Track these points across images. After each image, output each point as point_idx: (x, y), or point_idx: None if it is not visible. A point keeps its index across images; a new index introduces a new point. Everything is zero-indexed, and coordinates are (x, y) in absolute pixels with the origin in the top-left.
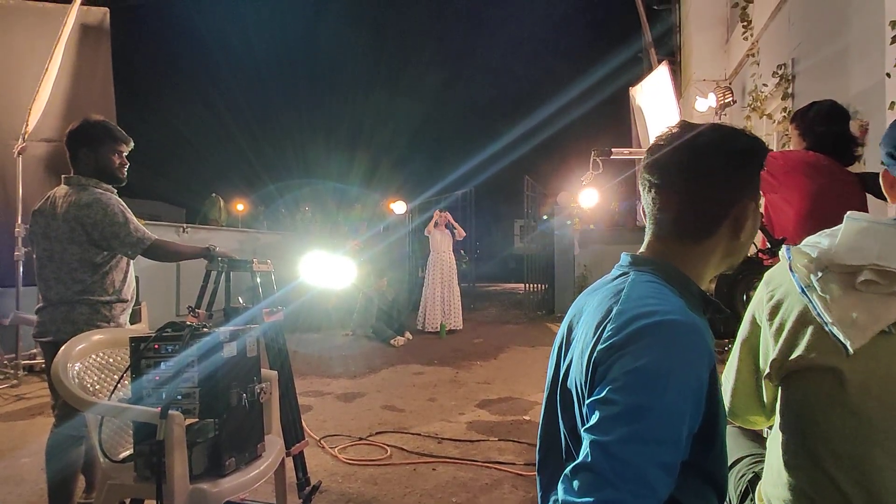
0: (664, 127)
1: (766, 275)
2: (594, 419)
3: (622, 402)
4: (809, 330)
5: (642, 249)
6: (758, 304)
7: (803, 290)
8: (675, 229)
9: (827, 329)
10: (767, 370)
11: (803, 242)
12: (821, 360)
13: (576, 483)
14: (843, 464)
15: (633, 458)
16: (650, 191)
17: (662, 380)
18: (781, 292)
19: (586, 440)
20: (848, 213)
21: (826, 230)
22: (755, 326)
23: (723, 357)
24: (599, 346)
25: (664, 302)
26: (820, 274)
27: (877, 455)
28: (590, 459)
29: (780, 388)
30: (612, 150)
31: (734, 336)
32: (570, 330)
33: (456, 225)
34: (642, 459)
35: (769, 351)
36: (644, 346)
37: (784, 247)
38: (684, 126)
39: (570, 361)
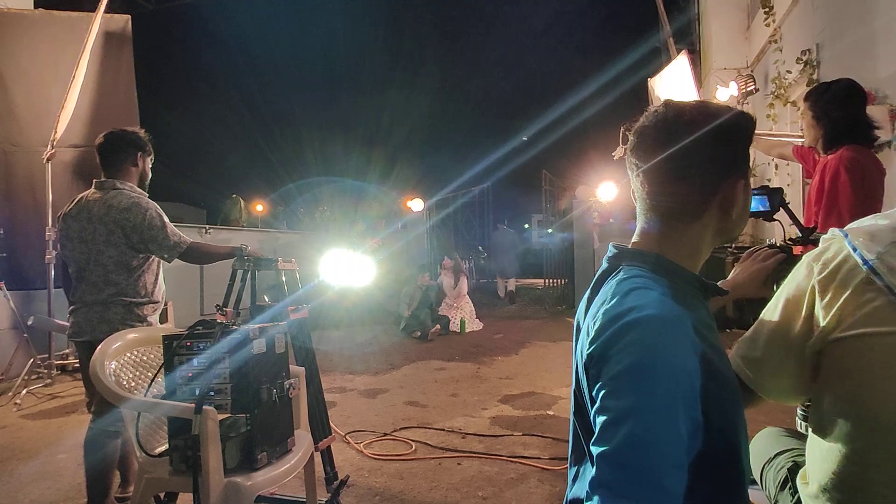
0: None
1: (812, 254)
2: (596, 431)
3: (613, 407)
4: (871, 299)
5: (635, 239)
6: (801, 280)
7: (867, 262)
8: (664, 212)
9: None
10: (814, 341)
11: (856, 223)
12: (886, 328)
13: (595, 502)
14: None
15: (639, 462)
16: (637, 175)
17: (647, 377)
18: (834, 266)
19: (594, 454)
20: None
21: (878, 213)
22: (793, 303)
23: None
24: (588, 350)
25: (642, 297)
26: (883, 248)
27: None
28: (600, 473)
29: (832, 358)
30: None
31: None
32: (578, 327)
33: (463, 271)
34: (648, 462)
35: (816, 322)
36: (624, 346)
37: (832, 229)
38: (668, 105)
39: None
